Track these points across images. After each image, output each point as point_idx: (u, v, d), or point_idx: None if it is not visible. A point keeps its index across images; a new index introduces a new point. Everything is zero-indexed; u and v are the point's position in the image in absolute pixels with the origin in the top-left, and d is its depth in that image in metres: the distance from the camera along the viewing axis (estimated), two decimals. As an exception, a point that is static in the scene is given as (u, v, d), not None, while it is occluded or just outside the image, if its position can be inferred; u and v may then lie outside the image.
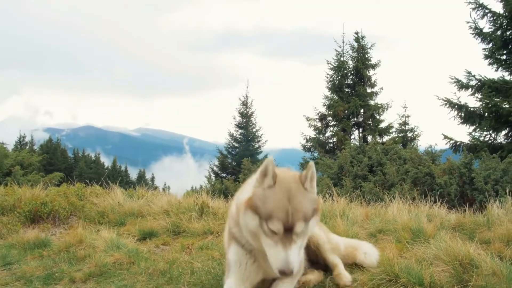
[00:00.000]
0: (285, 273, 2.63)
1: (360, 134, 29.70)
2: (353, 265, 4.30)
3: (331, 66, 29.90)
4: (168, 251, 5.06)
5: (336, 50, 30.13)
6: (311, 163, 2.98)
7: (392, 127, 29.52)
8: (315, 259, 4.01)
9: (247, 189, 3.04)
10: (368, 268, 4.13)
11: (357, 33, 29.81)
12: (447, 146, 18.62)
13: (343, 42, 30.09)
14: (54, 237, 5.88)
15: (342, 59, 29.93)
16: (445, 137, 18.65)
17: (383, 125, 29.52)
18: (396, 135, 28.91)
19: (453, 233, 4.94)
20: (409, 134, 29.30)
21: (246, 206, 2.85)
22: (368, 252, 4.29)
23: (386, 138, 27.91)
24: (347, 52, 30.14)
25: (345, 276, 3.78)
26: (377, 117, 29.66)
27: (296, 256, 2.72)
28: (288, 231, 2.69)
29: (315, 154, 29.62)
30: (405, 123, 29.66)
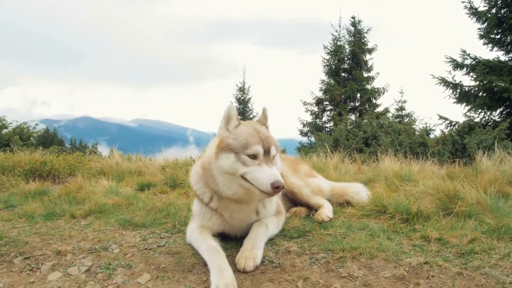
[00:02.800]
0: (278, 186, 2.73)
1: (357, 118, 29.81)
2: (344, 203, 4.46)
3: (328, 51, 29.94)
4: (166, 197, 5.22)
5: (333, 35, 30.13)
6: (265, 107, 3.27)
7: (388, 111, 29.62)
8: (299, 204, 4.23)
9: (210, 147, 3.19)
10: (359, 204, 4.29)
11: (353, 17, 29.82)
12: (443, 127, 18.77)
13: (340, 27, 30.11)
14: (54, 191, 6.03)
15: (338, 43, 29.95)
16: (440, 117, 18.72)
17: (379, 109, 29.62)
18: (392, 120, 29.03)
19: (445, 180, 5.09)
20: (406, 119, 29.42)
21: (217, 150, 2.98)
22: (359, 191, 4.46)
23: (386, 121, 27.96)
24: (343, 36, 30.17)
25: (324, 213, 3.93)
26: (374, 101, 29.77)
27: (279, 174, 2.85)
28: (266, 154, 2.90)
29: (312, 139, 29.74)
30: (401, 108, 29.76)
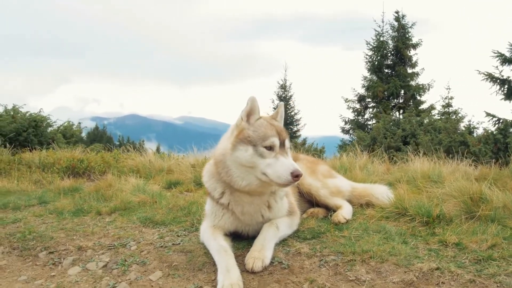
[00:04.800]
0: (298, 175, 2.84)
1: (401, 116, 28.99)
2: (366, 204, 4.39)
3: (370, 47, 29.29)
4: (190, 196, 5.32)
5: (375, 30, 29.41)
6: (281, 103, 3.41)
7: (434, 108, 28.61)
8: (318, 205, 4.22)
9: (222, 142, 3.26)
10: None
11: (397, 12, 28.99)
12: (490, 125, 17.92)
13: (383, 22, 29.36)
14: (86, 188, 6.27)
15: (381, 39, 29.20)
16: (488, 114, 17.91)
17: (424, 106, 28.68)
18: (438, 117, 28.00)
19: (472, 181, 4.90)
20: (453, 117, 28.32)
21: (235, 141, 3.05)
22: (381, 192, 4.36)
23: (427, 120, 27.03)
24: (386, 32, 29.40)
25: (341, 215, 3.87)
26: (418, 98, 28.85)
27: (296, 164, 2.95)
28: (282, 146, 3.04)
29: (354, 137, 29.20)
30: (448, 105, 28.66)
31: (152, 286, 2.88)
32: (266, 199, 3.32)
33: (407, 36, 28.92)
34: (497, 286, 2.54)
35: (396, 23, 28.94)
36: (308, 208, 4.15)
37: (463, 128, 12.66)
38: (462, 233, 3.36)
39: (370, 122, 29.48)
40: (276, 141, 2.99)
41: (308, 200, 4.15)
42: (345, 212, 3.90)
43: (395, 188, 4.78)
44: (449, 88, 28.53)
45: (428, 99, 28.79)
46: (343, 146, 26.28)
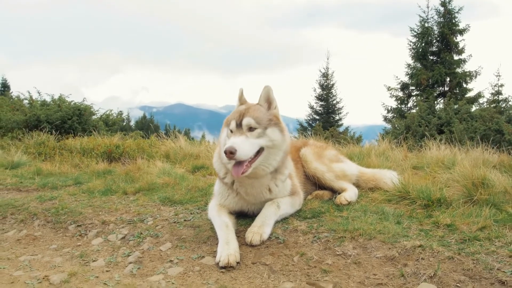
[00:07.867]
0: (226, 151, 3.01)
1: (445, 104, 28.13)
2: (374, 188, 4.55)
3: (415, 33, 28.50)
4: (211, 179, 5.65)
5: (420, 16, 28.56)
6: (266, 86, 3.48)
7: (482, 96, 27.54)
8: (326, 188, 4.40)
9: None
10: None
11: (443, -4, 28.03)
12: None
13: (428, 7, 28.48)
14: (118, 171, 6.75)
15: (426, 25, 28.37)
16: (536, 102, 17.26)
17: (471, 94, 27.67)
18: (487, 106, 26.91)
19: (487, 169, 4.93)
20: (503, 105, 27.16)
21: (223, 126, 3.47)
22: (389, 177, 4.51)
23: (474, 108, 26.05)
24: (432, 17, 28.49)
25: (344, 197, 4.04)
26: (464, 85, 27.86)
27: (244, 144, 3.11)
28: (239, 126, 3.25)
29: (397, 126, 28.64)
30: (498, 93, 27.49)
31: (161, 255, 3.23)
32: (267, 183, 3.54)
33: (453, 21, 27.87)
34: (473, 262, 2.69)
35: (442, 8, 27.94)
36: (315, 191, 4.36)
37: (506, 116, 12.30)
38: (457, 216, 3.49)
39: (413, 111, 28.80)
40: (233, 123, 3.26)
41: (315, 183, 4.35)
42: (348, 194, 4.08)
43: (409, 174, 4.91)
44: (499, 75, 27.35)
45: (476, 86, 27.69)
46: (384, 135, 25.90)
